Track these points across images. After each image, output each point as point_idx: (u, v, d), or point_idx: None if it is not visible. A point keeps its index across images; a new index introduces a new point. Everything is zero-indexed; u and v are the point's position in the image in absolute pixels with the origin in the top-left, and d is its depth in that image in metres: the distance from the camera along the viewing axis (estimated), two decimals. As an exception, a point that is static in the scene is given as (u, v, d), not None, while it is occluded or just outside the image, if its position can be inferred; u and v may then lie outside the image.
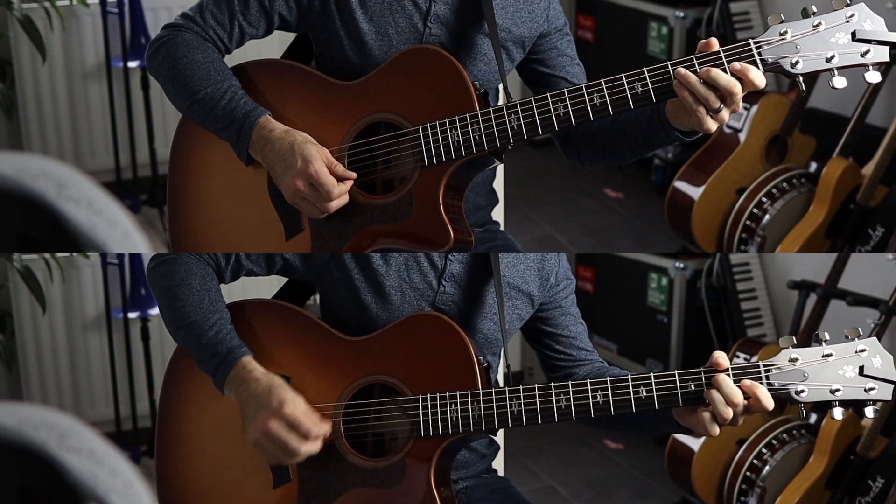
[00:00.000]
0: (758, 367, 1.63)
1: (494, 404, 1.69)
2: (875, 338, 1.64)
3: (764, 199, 3.26)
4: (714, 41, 1.65)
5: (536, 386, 1.69)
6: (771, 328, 3.60)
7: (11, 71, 3.64)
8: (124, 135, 3.74)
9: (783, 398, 1.63)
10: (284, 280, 1.95)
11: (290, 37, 2.00)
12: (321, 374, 1.78)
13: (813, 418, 3.07)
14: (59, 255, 3.18)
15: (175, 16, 1.86)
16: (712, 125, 1.66)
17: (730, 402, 1.61)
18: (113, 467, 0.82)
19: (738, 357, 3.16)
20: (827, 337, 1.64)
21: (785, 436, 3.05)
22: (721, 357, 1.63)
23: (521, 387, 1.70)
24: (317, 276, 1.84)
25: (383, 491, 1.73)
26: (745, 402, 1.61)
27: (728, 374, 1.62)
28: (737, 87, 1.62)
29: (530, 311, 1.88)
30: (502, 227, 2.12)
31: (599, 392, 1.66)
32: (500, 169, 2.30)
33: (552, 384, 1.68)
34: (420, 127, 1.74)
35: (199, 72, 1.79)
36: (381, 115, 1.78)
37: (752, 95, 3.42)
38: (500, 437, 2.65)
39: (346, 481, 1.75)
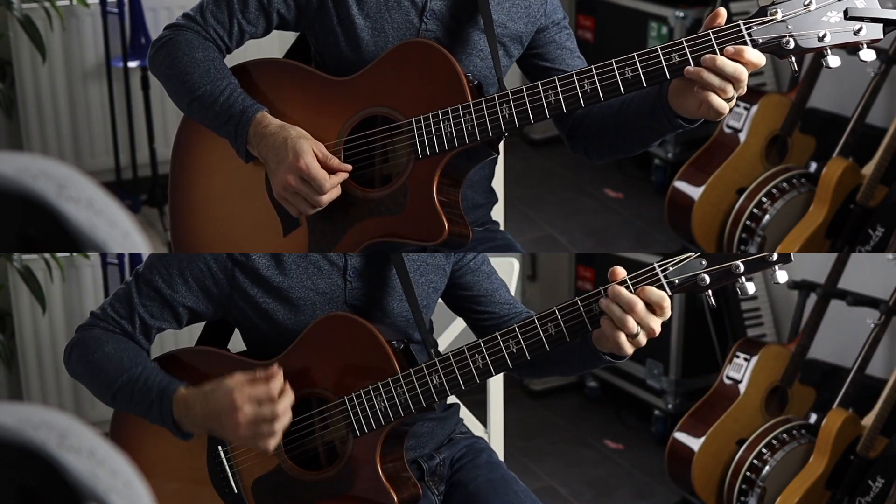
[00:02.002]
0: (653, 268, 1.61)
1: (416, 384, 1.68)
2: None
3: (764, 199, 3.25)
4: (722, 11, 1.63)
5: (450, 353, 1.67)
6: (771, 328, 3.60)
7: (11, 71, 3.64)
8: (124, 135, 3.74)
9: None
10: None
11: (290, 38, 2.00)
12: None
13: (813, 418, 3.07)
14: (59, 255, 3.17)
15: (175, 16, 1.87)
16: (724, 107, 1.63)
17: (627, 310, 1.57)
18: (113, 467, 0.82)
19: (737, 357, 3.16)
20: None
21: (785, 436, 3.04)
22: (617, 268, 1.61)
23: (436, 359, 1.68)
24: (226, 312, 1.81)
25: (340, 498, 1.73)
26: (642, 305, 1.58)
27: (625, 285, 1.59)
28: (743, 74, 1.60)
29: (444, 280, 1.87)
30: (502, 227, 2.12)
31: (511, 341, 1.64)
32: (500, 168, 2.30)
33: (465, 347, 1.67)
34: (413, 119, 1.74)
35: (200, 69, 1.79)
36: (376, 110, 1.78)
37: (752, 95, 3.42)
38: (499, 437, 2.65)
39: (303, 500, 1.75)
